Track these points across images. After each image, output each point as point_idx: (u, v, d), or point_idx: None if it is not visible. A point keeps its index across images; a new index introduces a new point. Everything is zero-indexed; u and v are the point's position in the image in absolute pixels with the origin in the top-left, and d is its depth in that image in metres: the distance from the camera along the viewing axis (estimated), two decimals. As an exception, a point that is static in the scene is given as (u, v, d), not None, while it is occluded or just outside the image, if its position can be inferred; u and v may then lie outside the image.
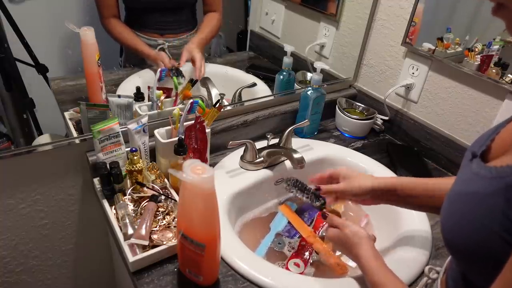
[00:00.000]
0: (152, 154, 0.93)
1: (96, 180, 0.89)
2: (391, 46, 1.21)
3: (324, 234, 0.96)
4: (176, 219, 0.79)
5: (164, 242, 0.75)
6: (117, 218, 0.79)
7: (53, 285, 1.09)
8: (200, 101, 0.87)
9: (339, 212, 0.90)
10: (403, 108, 1.23)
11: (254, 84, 1.28)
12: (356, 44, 1.29)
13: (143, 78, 1.14)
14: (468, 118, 1.06)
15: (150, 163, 0.88)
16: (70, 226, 1.02)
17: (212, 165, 1.02)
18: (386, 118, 1.25)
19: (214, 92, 1.21)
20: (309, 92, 1.13)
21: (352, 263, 0.85)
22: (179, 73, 1.11)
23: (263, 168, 1.01)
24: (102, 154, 0.83)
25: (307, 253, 0.89)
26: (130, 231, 0.75)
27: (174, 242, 0.75)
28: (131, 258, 0.71)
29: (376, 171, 1.04)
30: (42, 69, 1.01)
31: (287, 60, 1.22)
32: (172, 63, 1.13)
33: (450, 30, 1.06)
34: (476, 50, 1.00)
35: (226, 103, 1.15)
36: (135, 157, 0.82)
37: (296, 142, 1.10)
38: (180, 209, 0.67)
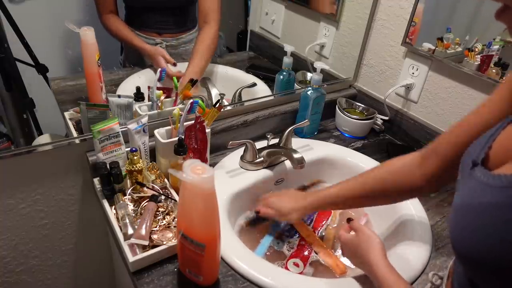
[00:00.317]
0: (152, 154, 0.93)
1: (96, 180, 0.89)
2: (391, 46, 1.21)
3: (324, 234, 0.97)
4: (176, 219, 0.79)
5: (164, 242, 0.75)
6: (117, 218, 0.79)
7: (53, 285, 1.09)
8: (200, 101, 0.87)
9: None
10: (403, 108, 1.23)
11: (254, 84, 1.28)
12: (356, 44, 1.29)
13: (143, 78, 1.14)
14: (468, 118, 1.06)
15: (150, 163, 0.88)
16: (70, 226, 1.02)
17: (212, 165, 1.02)
18: (386, 118, 1.25)
19: (214, 92, 1.21)
20: (309, 92, 1.13)
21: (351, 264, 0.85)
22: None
23: (263, 168, 1.02)
24: (102, 154, 0.83)
25: (306, 253, 0.89)
26: (130, 231, 0.75)
27: (174, 242, 0.75)
28: (131, 258, 0.71)
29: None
30: (42, 69, 1.01)
31: (287, 60, 1.22)
32: (168, 59, 1.14)
33: (450, 30, 1.06)
34: (476, 50, 1.00)
35: (226, 103, 1.15)
36: (135, 157, 0.82)
37: (296, 142, 1.10)
38: (180, 209, 0.67)
